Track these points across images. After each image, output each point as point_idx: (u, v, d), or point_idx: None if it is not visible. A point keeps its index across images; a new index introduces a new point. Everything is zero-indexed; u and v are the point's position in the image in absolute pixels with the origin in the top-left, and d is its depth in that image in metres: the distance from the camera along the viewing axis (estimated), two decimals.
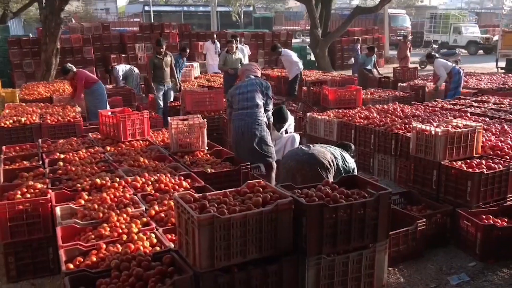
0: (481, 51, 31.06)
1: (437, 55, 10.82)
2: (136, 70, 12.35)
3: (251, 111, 5.29)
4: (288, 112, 6.81)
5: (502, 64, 19.26)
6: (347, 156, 4.70)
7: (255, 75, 5.55)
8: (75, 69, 8.38)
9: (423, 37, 34.18)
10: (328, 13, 21.15)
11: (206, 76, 14.25)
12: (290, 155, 4.78)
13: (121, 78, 11.73)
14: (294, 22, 49.48)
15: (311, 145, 4.71)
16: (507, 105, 8.26)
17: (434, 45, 28.09)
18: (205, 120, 5.81)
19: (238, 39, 11.23)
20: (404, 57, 17.37)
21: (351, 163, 4.68)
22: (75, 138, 6.21)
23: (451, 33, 31.57)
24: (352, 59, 19.95)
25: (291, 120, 6.93)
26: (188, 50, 11.87)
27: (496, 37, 28.44)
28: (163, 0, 55.06)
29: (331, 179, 4.20)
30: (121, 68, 11.99)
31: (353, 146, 5.11)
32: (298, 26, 46.70)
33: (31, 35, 21.16)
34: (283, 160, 4.84)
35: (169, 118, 5.91)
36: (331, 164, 4.45)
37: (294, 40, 26.40)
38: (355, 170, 4.69)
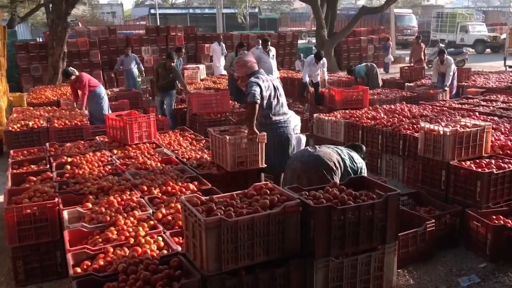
0: (488, 50, 30.86)
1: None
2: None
3: (287, 118, 5.26)
4: (294, 113, 6.78)
5: (510, 62, 19.12)
6: (355, 156, 4.66)
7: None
8: (77, 73, 8.40)
9: (430, 37, 34.05)
10: (333, 13, 21.11)
11: (212, 78, 14.26)
12: (295, 156, 4.74)
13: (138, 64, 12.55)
14: (300, 23, 49.40)
15: (317, 147, 4.67)
16: None
17: (441, 44, 27.95)
18: (264, 134, 4.93)
19: (269, 42, 10.83)
20: (419, 60, 15.94)
21: (359, 162, 4.63)
22: (82, 142, 6.23)
23: (458, 32, 31.41)
24: (391, 57, 19.96)
25: (297, 121, 6.91)
26: (183, 51, 11.71)
27: (503, 36, 28.24)
28: (169, 3, 55.25)
29: (337, 181, 4.17)
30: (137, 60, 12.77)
31: (364, 148, 5.07)
32: (304, 27, 46.64)
33: (38, 39, 21.30)
34: (289, 161, 4.80)
35: (210, 129, 5.24)
36: (337, 165, 4.40)
37: (300, 41, 26.44)
38: (364, 170, 4.65)
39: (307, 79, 11.31)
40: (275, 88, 5.14)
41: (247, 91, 4.93)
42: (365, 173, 4.59)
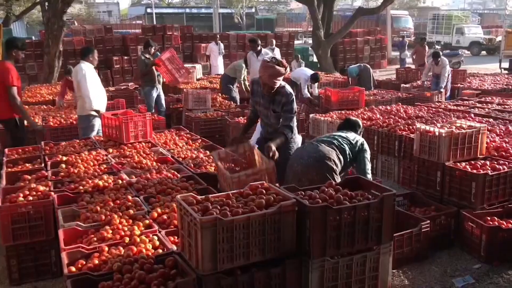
0: (484, 52, 31.01)
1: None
2: None
3: None
4: None
5: (506, 64, 19.23)
6: (351, 135, 4.48)
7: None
8: None
9: (426, 38, 34.18)
10: (330, 14, 21.16)
11: (208, 78, 14.25)
12: (295, 158, 4.56)
13: None
14: (296, 24, 49.44)
15: (314, 142, 4.48)
16: (511, 106, 8.23)
17: (436, 46, 28.07)
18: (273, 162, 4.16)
19: (258, 42, 9.65)
20: (422, 63, 14.75)
21: (358, 140, 4.44)
22: (78, 140, 6.20)
23: (454, 34, 31.61)
24: (407, 53, 20.05)
25: None
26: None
27: (499, 38, 28.40)
28: (166, 2, 55.16)
29: (338, 179, 4.16)
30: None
31: (360, 122, 4.85)
32: (300, 28, 46.69)
33: (33, 38, 21.22)
34: (290, 163, 4.61)
35: (213, 153, 4.62)
36: (337, 161, 4.29)
37: (296, 42, 26.44)
38: (364, 145, 4.45)
39: (308, 95, 10.88)
40: None
41: (287, 123, 4.60)
42: (366, 148, 4.45)
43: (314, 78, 10.69)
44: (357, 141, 4.47)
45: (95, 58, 6.67)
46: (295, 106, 4.62)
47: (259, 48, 9.58)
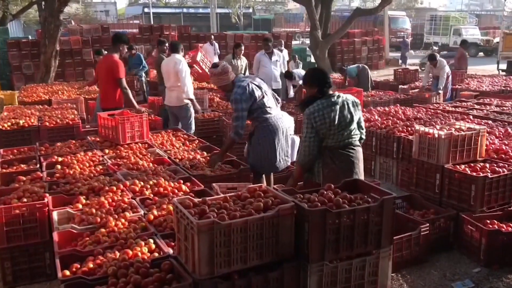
0: (481, 53, 31.05)
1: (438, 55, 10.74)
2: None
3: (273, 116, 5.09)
4: (287, 114, 6.73)
5: (503, 66, 19.22)
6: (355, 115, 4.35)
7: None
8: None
9: (423, 39, 34.28)
10: (328, 14, 21.12)
11: None
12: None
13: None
14: (294, 24, 49.44)
15: (352, 170, 4.28)
16: (510, 108, 8.21)
17: (434, 47, 28.09)
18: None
19: (270, 42, 9.76)
20: (466, 67, 13.54)
21: (353, 107, 4.39)
22: (74, 141, 6.14)
23: (451, 35, 31.62)
24: (412, 52, 20.02)
25: (290, 123, 6.86)
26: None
27: (496, 39, 28.46)
28: (163, 2, 55.09)
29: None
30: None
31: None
32: (297, 28, 46.72)
33: (30, 37, 21.12)
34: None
35: (215, 184, 4.40)
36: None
37: (294, 42, 26.41)
38: (358, 103, 4.53)
39: (292, 94, 11.23)
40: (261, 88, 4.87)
41: (233, 123, 4.81)
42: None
43: (287, 76, 10.67)
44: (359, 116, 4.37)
45: (182, 52, 7.37)
46: (239, 104, 4.66)
47: (270, 50, 9.60)
